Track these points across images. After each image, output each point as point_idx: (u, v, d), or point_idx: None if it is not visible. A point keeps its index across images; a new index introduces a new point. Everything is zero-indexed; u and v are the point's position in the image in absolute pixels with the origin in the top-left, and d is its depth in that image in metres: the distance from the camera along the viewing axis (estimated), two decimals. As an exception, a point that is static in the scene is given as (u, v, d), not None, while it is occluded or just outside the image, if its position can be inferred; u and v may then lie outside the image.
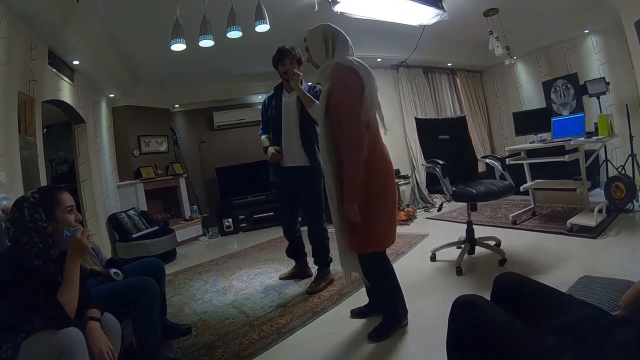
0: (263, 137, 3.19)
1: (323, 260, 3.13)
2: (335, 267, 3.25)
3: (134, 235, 4.71)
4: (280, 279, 3.35)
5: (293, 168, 2.97)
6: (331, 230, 2.28)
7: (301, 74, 2.77)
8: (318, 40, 2.01)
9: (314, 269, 3.25)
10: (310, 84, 2.96)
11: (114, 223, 4.76)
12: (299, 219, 3.30)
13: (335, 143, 2.00)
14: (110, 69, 4.64)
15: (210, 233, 6.25)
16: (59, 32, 3.27)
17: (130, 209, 5.21)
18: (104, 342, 1.44)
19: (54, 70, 3.64)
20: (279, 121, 2.98)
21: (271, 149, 3.00)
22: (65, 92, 3.93)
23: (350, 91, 1.91)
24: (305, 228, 3.19)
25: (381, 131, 2.07)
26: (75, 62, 4.00)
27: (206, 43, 3.41)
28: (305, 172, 2.95)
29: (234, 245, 5.43)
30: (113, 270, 2.12)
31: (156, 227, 5.14)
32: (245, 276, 3.64)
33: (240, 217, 6.28)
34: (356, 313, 2.45)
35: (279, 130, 2.98)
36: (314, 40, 2.03)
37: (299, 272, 3.33)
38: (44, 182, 3.22)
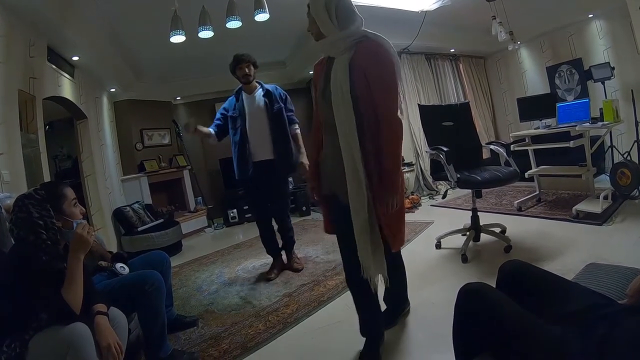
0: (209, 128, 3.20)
1: (292, 244, 3.41)
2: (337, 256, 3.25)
3: (139, 229, 4.73)
4: (269, 279, 3.17)
5: (264, 162, 3.11)
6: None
7: None
8: (321, 8, 1.75)
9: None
10: (271, 85, 3.23)
11: (119, 217, 4.79)
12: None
13: (363, 124, 1.71)
14: (110, 64, 4.62)
15: (216, 224, 6.29)
16: (58, 29, 3.25)
17: (134, 203, 5.23)
18: (112, 336, 1.45)
19: (54, 66, 3.62)
20: (243, 121, 3.12)
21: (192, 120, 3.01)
22: (66, 88, 3.92)
23: (391, 69, 1.69)
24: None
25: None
26: (75, 58, 3.99)
27: (205, 34, 3.40)
28: (275, 163, 3.11)
29: (240, 235, 5.45)
30: (119, 264, 2.14)
31: (161, 220, 5.17)
32: (251, 267, 3.66)
33: (245, 207, 6.26)
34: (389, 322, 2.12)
35: (244, 130, 3.11)
36: (317, 8, 1.76)
37: (284, 265, 3.40)
38: (47, 178, 3.23)
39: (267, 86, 3.21)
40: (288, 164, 3.13)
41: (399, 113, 1.74)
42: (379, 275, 1.83)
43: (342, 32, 1.73)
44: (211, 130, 3.17)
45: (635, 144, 4.48)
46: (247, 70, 3.11)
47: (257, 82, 3.22)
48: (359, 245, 1.73)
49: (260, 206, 3.35)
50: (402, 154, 6.05)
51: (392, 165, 1.74)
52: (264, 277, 3.24)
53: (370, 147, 1.72)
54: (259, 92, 3.17)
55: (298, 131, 3.26)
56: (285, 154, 3.12)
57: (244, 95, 3.18)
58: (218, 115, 3.26)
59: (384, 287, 2.04)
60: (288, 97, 3.27)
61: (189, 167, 6.45)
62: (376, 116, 1.71)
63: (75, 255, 1.48)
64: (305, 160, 3.10)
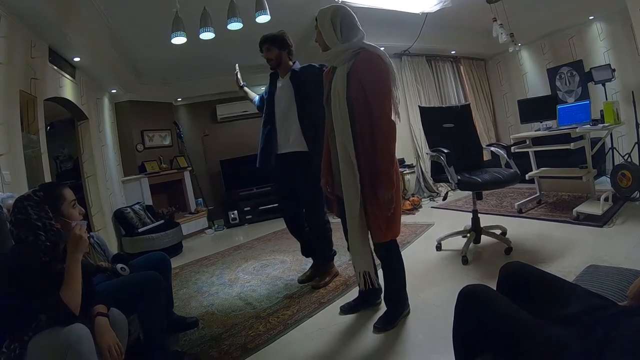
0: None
1: (326, 253, 2.99)
2: (340, 258, 3.26)
3: (139, 230, 4.74)
4: (299, 282, 3.04)
5: (290, 154, 2.80)
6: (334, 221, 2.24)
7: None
8: (327, 22, 1.97)
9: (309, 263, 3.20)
10: (303, 66, 2.87)
11: (120, 218, 4.79)
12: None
13: (357, 128, 1.92)
14: (111, 65, 4.63)
15: (216, 225, 6.29)
16: (59, 30, 3.26)
17: (135, 204, 5.24)
18: (112, 337, 1.45)
19: (55, 67, 3.63)
20: (271, 107, 2.87)
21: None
22: (67, 89, 3.94)
23: (385, 77, 1.90)
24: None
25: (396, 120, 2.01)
26: (76, 59, 4.00)
27: (207, 35, 3.39)
28: (304, 157, 2.75)
29: (240, 237, 5.45)
30: (119, 265, 2.13)
31: (162, 221, 5.18)
32: (252, 268, 3.66)
33: (246, 208, 6.30)
34: (346, 309, 2.41)
35: (272, 117, 2.86)
36: (323, 22, 1.99)
37: (317, 272, 3.03)
38: (48, 179, 3.24)
39: (297, 67, 2.83)
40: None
41: (393, 116, 1.93)
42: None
43: (344, 44, 1.96)
44: (255, 96, 3.13)
45: (636, 145, 4.48)
46: (267, 54, 2.80)
47: (292, 62, 2.87)
48: (350, 234, 2.04)
49: (284, 199, 3.01)
50: (403, 156, 6.05)
51: (386, 162, 1.90)
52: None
53: (364, 147, 1.93)
54: (288, 76, 2.83)
55: None
56: (318, 143, 2.56)
57: (279, 79, 2.90)
58: (261, 95, 3.06)
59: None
60: None
61: (190, 168, 6.46)
62: (371, 120, 1.90)
63: (73, 256, 1.48)
64: None
